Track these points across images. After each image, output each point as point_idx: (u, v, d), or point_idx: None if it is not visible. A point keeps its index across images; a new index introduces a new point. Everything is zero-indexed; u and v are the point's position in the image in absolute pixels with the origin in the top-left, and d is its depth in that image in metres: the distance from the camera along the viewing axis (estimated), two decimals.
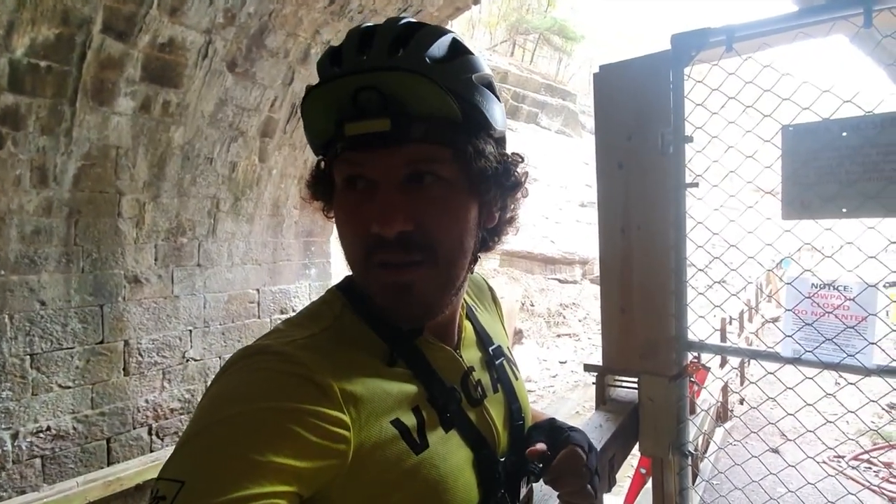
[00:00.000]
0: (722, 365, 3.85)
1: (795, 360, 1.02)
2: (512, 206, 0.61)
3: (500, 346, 0.67)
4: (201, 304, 4.06)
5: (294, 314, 0.56)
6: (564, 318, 10.93)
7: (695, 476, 3.06)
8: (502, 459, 0.59)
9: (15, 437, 2.99)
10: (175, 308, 3.88)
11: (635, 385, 1.25)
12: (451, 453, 0.53)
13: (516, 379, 0.68)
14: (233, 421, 0.42)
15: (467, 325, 0.65)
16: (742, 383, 5.19)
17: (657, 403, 1.18)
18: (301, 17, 3.70)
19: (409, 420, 0.51)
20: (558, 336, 10.53)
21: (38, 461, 3.09)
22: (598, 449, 1.01)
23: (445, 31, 0.54)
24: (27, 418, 3.05)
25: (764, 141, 0.99)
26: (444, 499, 0.51)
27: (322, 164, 0.57)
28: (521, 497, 0.61)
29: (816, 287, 1.05)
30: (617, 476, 1.14)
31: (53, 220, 3.12)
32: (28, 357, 3.07)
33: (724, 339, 4.48)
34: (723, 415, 4.38)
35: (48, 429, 3.16)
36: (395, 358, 0.54)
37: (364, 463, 0.47)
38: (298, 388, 0.45)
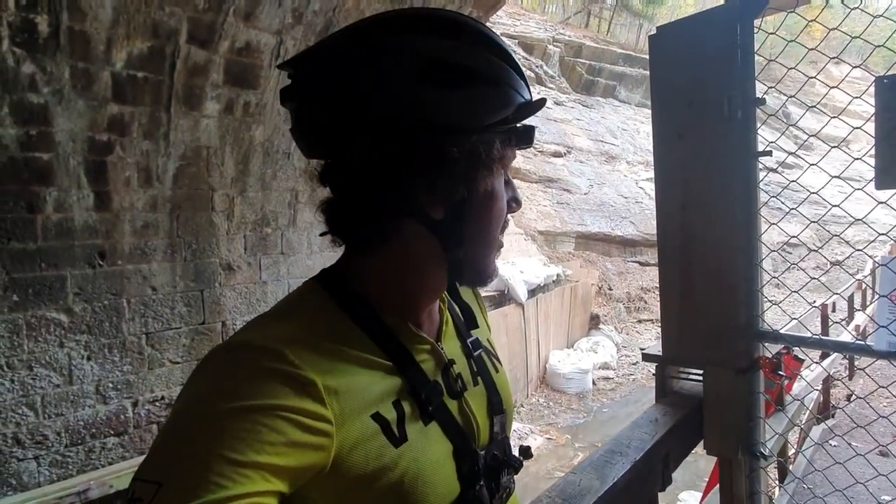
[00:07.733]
0: (822, 357, 3.40)
1: (890, 355, 0.87)
2: None
3: (477, 339, 0.66)
4: (286, 288, 4.37)
5: (271, 308, 0.55)
6: (646, 302, 10.34)
7: (784, 475, 2.77)
8: (482, 452, 0.58)
9: (135, 405, 3.46)
10: (264, 293, 4.23)
11: (701, 378, 1.15)
12: (430, 446, 0.53)
13: (496, 371, 0.67)
14: (213, 420, 0.41)
15: (448, 316, 0.64)
16: (851, 378, 4.55)
17: (724, 398, 1.07)
18: (363, 9, 3.77)
19: (390, 414, 0.51)
20: (639, 322, 10.01)
21: (154, 427, 3.55)
22: (651, 445, 0.95)
23: None
24: (144, 389, 3.51)
25: (853, 97, 0.84)
26: (424, 491, 0.51)
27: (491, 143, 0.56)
28: (502, 489, 0.59)
29: None
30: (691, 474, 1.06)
31: (159, 215, 3.51)
32: (144, 336, 3.52)
33: (825, 328, 3.94)
34: (823, 410, 3.89)
35: (162, 398, 3.61)
36: (377, 351, 0.53)
37: (346, 458, 0.46)
38: (280, 383, 0.44)
